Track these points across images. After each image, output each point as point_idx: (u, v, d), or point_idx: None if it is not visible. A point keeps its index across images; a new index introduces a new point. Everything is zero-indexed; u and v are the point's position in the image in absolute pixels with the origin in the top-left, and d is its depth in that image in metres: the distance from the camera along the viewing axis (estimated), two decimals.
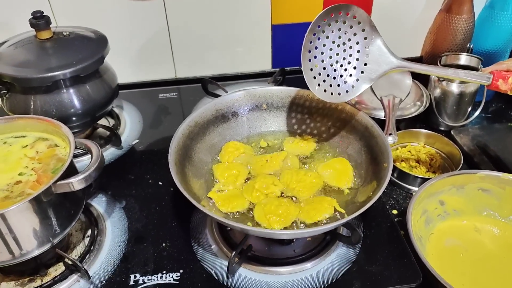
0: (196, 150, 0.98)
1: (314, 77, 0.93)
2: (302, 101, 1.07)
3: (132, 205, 1.00)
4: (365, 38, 0.90)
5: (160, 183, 1.06)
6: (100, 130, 1.22)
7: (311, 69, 0.93)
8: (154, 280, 0.84)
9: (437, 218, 0.95)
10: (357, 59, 0.91)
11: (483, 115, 1.31)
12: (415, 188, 1.04)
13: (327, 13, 0.88)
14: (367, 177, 0.92)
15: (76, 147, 0.83)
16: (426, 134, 1.16)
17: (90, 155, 0.83)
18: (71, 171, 0.80)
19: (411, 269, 0.84)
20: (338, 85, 0.93)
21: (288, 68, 1.44)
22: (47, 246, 0.79)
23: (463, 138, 1.17)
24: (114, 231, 0.95)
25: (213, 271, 0.85)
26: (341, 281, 0.83)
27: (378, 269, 0.84)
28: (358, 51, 0.91)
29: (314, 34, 0.90)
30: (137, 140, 1.21)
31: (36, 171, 0.82)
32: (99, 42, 1.10)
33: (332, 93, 0.93)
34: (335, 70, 0.93)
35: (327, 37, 0.91)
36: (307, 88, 0.93)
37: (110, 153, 1.17)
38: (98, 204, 1.01)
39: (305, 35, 0.90)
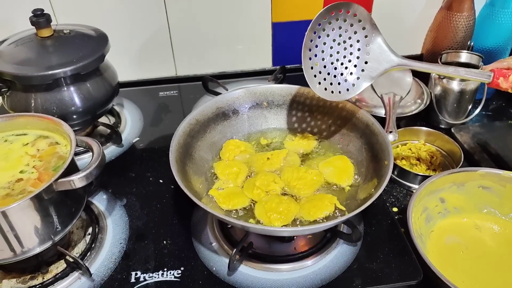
0: (197, 148, 0.98)
1: (315, 76, 0.93)
2: (303, 99, 1.07)
3: (133, 203, 1.01)
4: (366, 36, 0.90)
5: (161, 181, 1.06)
6: (101, 128, 1.22)
7: (312, 68, 0.93)
8: (155, 277, 0.84)
9: (437, 215, 0.95)
10: (358, 57, 0.91)
11: (484, 113, 1.31)
12: (416, 186, 1.04)
13: (328, 11, 0.88)
14: (367, 174, 0.92)
15: (77, 145, 0.83)
16: (427, 132, 1.16)
17: (91, 153, 0.83)
18: (72, 169, 0.80)
19: (412, 267, 0.84)
20: (339, 84, 0.93)
21: (288, 66, 1.44)
22: (48, 244, 0.79)
23: (464, 136, 1.17)
24: (115, 228, 0.95)
25: (214, 269, 0.85)
26: (341, 278, 0.83)
27: (378, 266, 0.85)
28: (359, 49, 0.91)
29: (315, 32, 0.90)
30: (138, 138, 1.22)
31: (37, 169, 0.82)
32: (100, 40, 1.10)
33: (332, 92, 0.93)
34: (335, 68, 0.93)
35: (328, 35, 0.91)
36: (308, 86, 0.94)
37: (111, 151, 1.17)
38: (99, 202, 1.01)
39: (306, 33, 0.90)
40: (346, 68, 0.92)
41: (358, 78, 0.92)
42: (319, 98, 1.03)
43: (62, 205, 0.80)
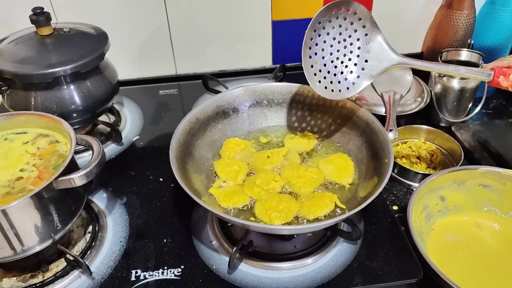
0: (197, 146, 0.98)
1: (315, 74, 0.93)
2: (303, 97, 1.07)
3: (133, 201, 1.01)
4: (366, 35, 0.90)
5: (161, 179, 1.06)
6: (101, 126, 1.22)
7: (312, 66, 0.92)
8: (155, 276, 0.84)
9: (437, 213, 0.95)
10: (358, 56, 0.91)
11: (484, 111, 1.31)
12: (416, 184, 1.04)
13: (328, 10, 0.88)
14: (368, 173, 0.92)
15: (77, 143, 0.83)
16: (427, 130, 1.16)
17: (91, 151, 0.83)
18: (72, 167, 0.80)
19: (412, 265, 0.84)
20: (339, 82, 0.93)
21: (288, 64, 1.44)
22: (48, 242, 0.79)
23: (464, 134, 1.17)
24: (115, 227, 0.95)
25: (214, 267, 0.85)
26: (341, 276, 0.83)
27: (378, 264, 0.85)
28: (359, 48, 0.91)
29: (315, 31, 0.90)
30: (138, 137, 1.21)
31: (37, 167, 0.82)
32: (100, 39, 1.10)
33: (332, 90, 0.93)
34: (335, 67, 0.92)
35: (328, 34, 0.91)
36: (308, 84, 0.93)
37: (111, 149, 1.17)
38: (99, 200, 1.01)
39: (306, 31, 0.89)
40: (346, 66, 0.92)
41: (358, 76, 0.92)
42: (319, 97, 1.03)
43: (62, 203, 0.80)
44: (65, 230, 0.82)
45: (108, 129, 1.20)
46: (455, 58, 1.20)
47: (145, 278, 0.84)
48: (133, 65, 1.43)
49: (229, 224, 0.92)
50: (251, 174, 0.97)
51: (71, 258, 0.84)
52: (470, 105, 1.21)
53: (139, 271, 0.85)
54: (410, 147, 1.15)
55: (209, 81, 1.38)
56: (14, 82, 1.03)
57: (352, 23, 0.89)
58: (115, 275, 0.85)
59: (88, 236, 0.92)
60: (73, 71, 1.01)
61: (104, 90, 1.11)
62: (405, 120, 1.19)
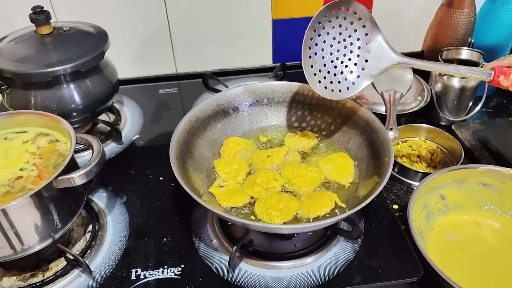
0: (197, 145, 0.98)
1: (315, 74, 0.93)
2: (303, 96, 1.06)
3: (133, 200, 1.01)
4: (366, 34, 0.89)
5: (161, 178, 1.06)
6: (101, 125, 1.22)
7: (312, 66, 0.92)
8: (155, 275, 0.84)
9: (438, 212, 0.95)
10: (358, 56, 0.91)
11: (484, 109, 1.31)
12: (416, 183, 1.04)
13: (328, 9, 0.88)
14: (368, 171, 0.92)
15: (77, 142, 0.83)
16: (427, 129, 1.16)
17: (91, 151, 0.83)
18: (72, 166, 0.80)
19: (412, 264, 0.84)
20: (339, 82, 0.92)
21: (289, 63, 1.44)
22: (48, 241, 0.79)
23: (464, 133, 1.17)
24: (115, 226, 0.95)
25: (214, 266, 0.85)
26: (342, 275, 0.83)
27: (379, 263, 0.85)
28: (359, 48, 0.90)
29: (315, 31, 0.90)
30: (138, 136, 1.21)
31: (37, 166, 0.82)
32: (99, 37, 1.10)
33: (332, 90, 0.93)
34: (335, 67, 0.92)
35: (328, 34, 0.90)
36: (308, 83, 0.93)
37: (111, 148, 1.17)
38: (99, 199, 1.01)
39: (306, 31, 0.89)
40: (346, 66, 0.92)
41: (358, 76, 0.92)
42: (320, 96, 1.02)
43: (62, 202, 0.80)
44: (65, 229, 0.82)
45: (108, 128, 1.20)
46: (455, 57, 1.20)
47: (145, 277, 0.84)
48: (133, 64, 1.42)
49: (229, 223, 0.92)
50: (251, 173, 0.97)
51: (71, 257, 0.84)
52: (470, 104, 1.21)
53: (139, 270, 0.85)
54: (410, 146, 1.15)
55: (209, 80, 1.38)
56: (14, 81, 1.03)
57: (352, 23, 0.89)
58: (115, 274, 0.85)
59: (88, 235, 0.92)
60: (73, 70, 1.01)
61: (104, 89, 1.11)
62: (405, 119, 1.19)
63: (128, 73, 1.43)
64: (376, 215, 0.95)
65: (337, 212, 0.86)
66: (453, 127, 1.19)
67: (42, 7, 1.04)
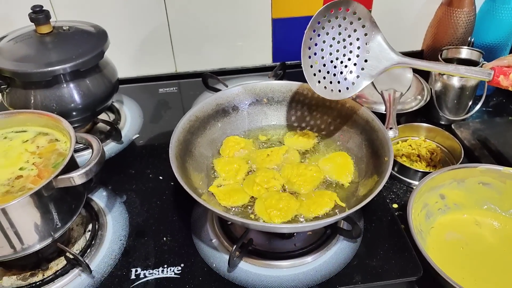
0: (197, 145, 0.98)
1: (314, 74, 0.93)
2: (303, 95, 1.06)
3: (133, 200, 1.01)
4: (365, 34, 0.89)
5: (161, 177, 1.06)
6: (100, 125, 1.22)
7: (311, 66, 0.92)
8: (155, 274, 0.84)
9: (437, 211, 0.95)
10: (357, 56, 0.91)
11: (484, 109, 1.31)
12: (416, 182, 1.04)
13: (327, 9, 0.88)
14: (367, 171, 0.92)
15: (76, 142, 0.83)
16: (427, 128, 1.16)
17: (90, 150, 0.83)
18: (72, 165, 0.80)
19: (412, 263, 0.84)
20: (338, 82, 0.92)
21: (288, 62, 1.44)
22: (48, 241, 0.79)
23: (464, 132, 1.17)
24: (115, 225, 0.95)
25: (214, 265, 0.85)
26: (341, 274, 0.83)
27: (378, 262, 0.85)
28: (358, 48, 0.90)
29: (314, 31, 0.90)
30: (138, 135, 1.21)
31: (37, 165, 0.82)
32: (99, 37, 1.10)
33: (332, 90, 0.93)
34: (335, 67, 0.92)
35: (327, 34, 0.90)
36: (308, 83, 0.93)
37: (111, 147, 1.17)
38: (99, 198, 1.01)
39: (305, 31, 0.89)
40: (345, 66, 0.92)
41: (358, 76, 0.92)
42: (319, 95, 1.03)
43: (62, 202, 0.80)
44: (65, 229, 0.82)
45: (108, 127, 1.20)
46: (455, 56, 1.20)
47: (145, 277, 0.84)
48: (132, 63, 1.42)
49: (229, 223, 0.92)
50: (251, 173, 0.97)
51: (71, 256, 0.84)
52: (470, 103, 1.21)
53: (139, 269, 0.85)
54: (410, 145, 1.15)
55: (209, 79, 1.38)
56: (13, 81, 1.03)
57: (351, 23, 0.89)
58: (115, 274, 0.85)
59: (88, 234, 0.92)
60: (72, 70, 1.01)
61: (104, 88, 1.11)
62: (405, 118, 1.19)
63: (128, 73, 1.43)
64: (376, 214, 0.95)
65: (337, 212, 0.87)
66: (453, 126, 1.19)
67: (42, 7, 1.04)
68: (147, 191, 1.03)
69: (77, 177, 0.76)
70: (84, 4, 1.28)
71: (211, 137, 1.02)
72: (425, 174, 1.01)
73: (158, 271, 0.85)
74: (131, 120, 1.27)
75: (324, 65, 0.92)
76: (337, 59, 0.92)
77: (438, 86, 1.19)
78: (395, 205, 1.00)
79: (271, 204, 0.86)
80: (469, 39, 1.26)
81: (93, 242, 0.90)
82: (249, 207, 0.89)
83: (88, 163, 0.78)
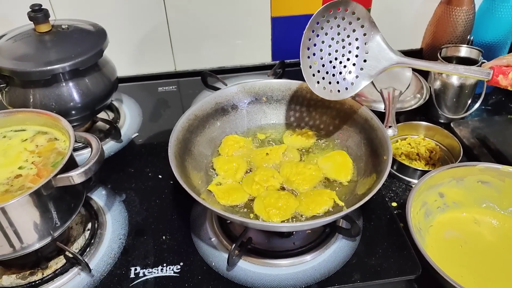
0: (196, 143, 0.98)
1: (313, 75, 0.93)
2: (302, 94, 1.06)
3: (132, 198, 1.01)
4: (364, 35, 0.89)
5: (160, 176, 1.06)
6: (100, 123, 1.22)
7: (310, 66, 0.92)
8: (154, 272, 0.84)
9: (436, 210, 0.95)
10: (356, 56, 0.91)
11: (483, 107, 1.31)
12: (415, 181, 1.04)
13: (326, 9, 0.88)
14: (366, 169, 0.92)
15: (75, 141, 0.83)
16: (426, 127, 1.16)
17: (90, 149, 0.83)
18: (71, 164, 0.80)
19: (411, 261, 0.84)
20: (338, 82, 0.92)
21: (288, 61, 1.44)
22: (47, 240, 0.80)
23: (463, 131, 1.17)
24: (114, 224, 0.95)
25: (213, 264, 0.85)
26: (340, 273, 0.83)
27: (377, 261, 0.85)
28: (357, 48, 0.90)
29: (313, 31, 0.90)
30: (137, 134, 1.21)
31: (36, 164, 0.82)
32: (98, 35, 1.10)
33: (331, 90, 0.93)
34: (334, 67, 0.92)
35: (326, 34, 0.90)
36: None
37: (110, 146, 1.17)
38: (98, 197, 1.01)
39: (304, 32, 0.89)
40: (345, 66, 0.92)
41: (357, 76, 0.92)
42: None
43: (61, 200, 0.80)
44: (64, 228, 0.82)
45: (107, 126, 1.20)
46: (454, 54, 1.20)
47: (144, 275, 0.84)
48: (132, 62, 1.42)
49: (228, 221, 0.92)
50: (250, 171, 0.97)
51: (70, 255, 0.84)
52: (469, 101, 1.21)
53: (138, 268, 0.85)
54: (409, 144, 1.15)
55: (208, 78, 1.38)
56: (12, 80, 1.03)
57: (350, 23, 0.89)
58: (115, 272, 0.85)
59: (87, 233, 0.92)
60: (71, 68, 1.01)
61: (103, 87, 1.11)
62: (404, 116, 1.19)
63: (127, 71, 1.43)
64: (375, 213, 0.95)
65: (336, 210, 0.87)
66: (452, 124, 1.19)
67: (41, 5, 1.04)
68: (146, 190, 1.03)
69: (76, 176, 0.76)
70: (83, 3, 1.28)
71: (210, 136, 1.02)
72: (424, 172, 1.01)
73: (158, 269, 0.85)
74: (130, 119, 1.27)
75: (323, 65, 0.92)
76: (336, 59, 0.92)
77: (437, 84, 1.19)
78: (394, 204, 1.01)
79: (270, 202, 0.86)
80: (468, 37, 1.26)
81: (92, 241, 0.90)
82: (248, 206, 0.89)
83: (87, 162, 0.78)
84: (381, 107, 1.13)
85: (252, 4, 1.35)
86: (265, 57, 1.48)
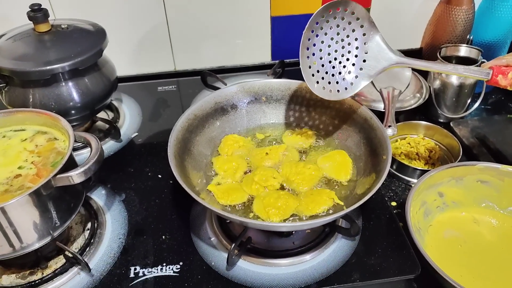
0: (196, 143, 0.98)
1: (313, 75, 0.93)
2: (302, 93, 1.06)
3: (132, 198, 1.01)
4: (364, 35, 0.89)
5: (160, 176, 1.06)
6: (99, 123, 1.22)
7: (310, 67, 0.92)
8: (154, 272, 0.84)
9: (436, 209, 0.95)
10: (356, 56, 0.91)
11: (483, 106, 1.31)
12: (414, 180, 1.04)
13: (326, 9, 0.88)
14: (366, 169, 0.92)
15: (75, 140, 0.83)
16: (426, 126, 1.16)
17: (89, 148, 0.83)
18: (71, 164, 0.80)
19: (410, 261, 0.84)
20: (337, 82, 0.93)
21: (287, 60, 1.44)
22: (47, 239, 0.80)
23: (462, 130, 1.17)
24: (114, 223, 0.95)
25: (212, 263, 0.86)
26: (340, 272, 0.83)
27: (377, 260, 0.85)
28: (357, 48, 0.90)
29: (312, 31, 0.90)
30: (136, 133, 1.21)
31: (36, 164, 0.82)
32: (98, 35, 1.10)
33: (331, 91, 0.93)
34: (333, 67, 0.92)
35: (326, 34, 0.90)
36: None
37: (109, 146, 1.17)
38: (98, 197, 1.01)
39: (303, 32, 0.89)
40: (344, 66, 0.92)
41: (356, 76, 0.92)
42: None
43: (60, 200, 0.80)
44: (64, 227, 0.82)
45: (107, 126, 1.20)
46: (454, 53, 1.20)
47: (144, 275, 0.84)
48: (131, 61, 1.42)
49: (228, 221, 0.92)
50: (250, 171, 0.97)
51: (70, 255, 0.84)
52: (468, 101, 1.21)
53: (138, 267, 0.85)
54: (408, 143, 1.15)
55: (208, 77, 1.38)
56: (12, 79, 1.03)
57: (350, 23, 0.89)
58: (114, 272, 0.85)
59: (87, 233, 0.92)
60: (71, 68, 1.01)
61: (103, 86, 1.11)
62: (404, 116, 1.19)
63: (127, 71, 1.43)
64: (374, 213, 0.95)
65: (335, 210, 0.87)
66: (451, 124, 1.19)
67: (40, 5, 1.04)
68: (146, 190, 1.03)
69: (76, 176, 0.76)
70: (83, 3, 1.28)
71: (210, 135, 1.02)
72: (423, 172, 1.01)
73: (157, 269, 0.85)
74: (130, 118, 1.27)
75: (323, 65, 0.92)
76: (335, 59, 0.92)
77: (436, 84, 1.19)
78: (393, 203, 1.01)
79: (269, 202, 0.86)
80: (468, 37, 1.27)
81: (92, 241, 0.90)
82: (247, 206, 0.89)
83: (87, 161, 0.78)
84: (380, 106, 1.13)
85: (252, 4, 1.35)
86: (265, 56, 1.48)
